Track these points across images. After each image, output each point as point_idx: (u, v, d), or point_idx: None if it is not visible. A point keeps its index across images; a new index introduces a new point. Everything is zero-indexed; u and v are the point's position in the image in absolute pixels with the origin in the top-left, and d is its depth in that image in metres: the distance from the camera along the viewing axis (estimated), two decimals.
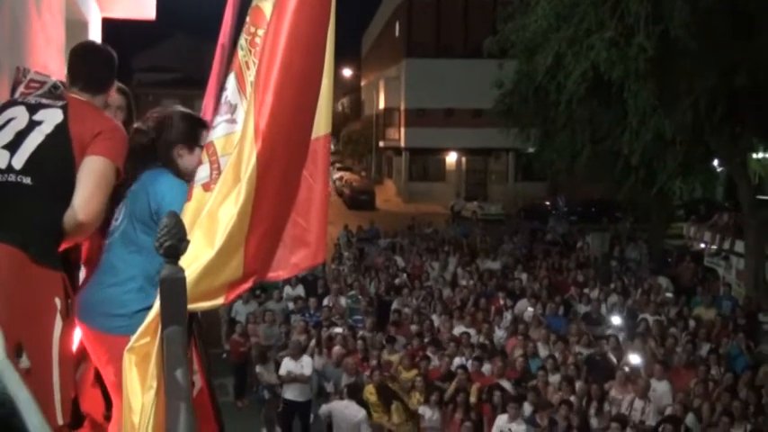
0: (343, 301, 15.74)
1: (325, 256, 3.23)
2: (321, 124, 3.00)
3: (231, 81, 2.93)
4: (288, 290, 16.61)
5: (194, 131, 3.21)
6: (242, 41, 2.92)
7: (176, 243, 2.18)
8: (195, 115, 3.44)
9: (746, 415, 10.04)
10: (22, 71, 3.43)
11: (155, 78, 65.34)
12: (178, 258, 2.24)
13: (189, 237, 2.41)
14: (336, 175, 52.15)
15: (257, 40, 2.82)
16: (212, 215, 2.67)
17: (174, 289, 2.20)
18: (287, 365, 11.91)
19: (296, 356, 11.93)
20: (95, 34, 8.92)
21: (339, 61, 65.82)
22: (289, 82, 2.69)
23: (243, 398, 14.03)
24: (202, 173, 2.86)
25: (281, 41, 2.67)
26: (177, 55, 68.67)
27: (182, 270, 2.24)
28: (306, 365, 11.92)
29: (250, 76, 2.82)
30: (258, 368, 12.91)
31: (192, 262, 2.54)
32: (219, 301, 2.76)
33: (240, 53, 2.90)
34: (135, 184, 3.11)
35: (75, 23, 7.70)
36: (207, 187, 2.80)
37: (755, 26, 14.14)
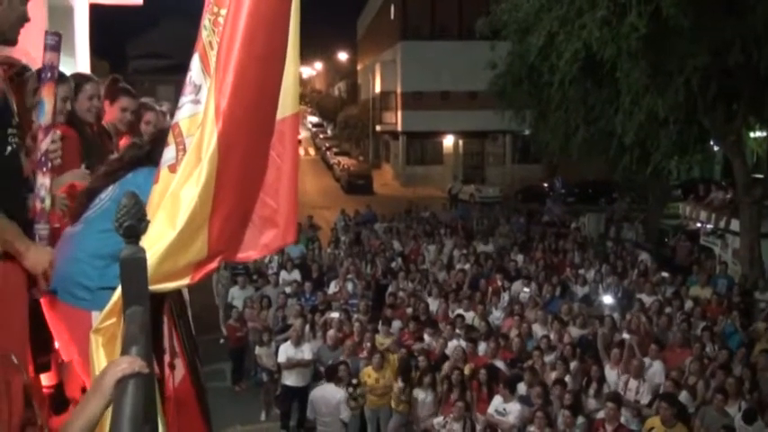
0: (350, 286, 15.74)
1: (296, 237, 3.23)
2: (288, 104, 2.98)
3: (195, 61, 2.91)
4: (284, 274, 16.61)
5: None
6: (205, 21, 2.89)
7: (135, 223, 2.18)
8: None
9: (741, 392, 10.06)
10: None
11: (150, 65, 65.14)
12: (138, 238, 2.24)
13: (152, 218, 2.41)
14: (334, 159, 52.08)
15: (220, 19, 2.79)
16: (175, 196, 2.67)
17: (133, 269, 2.20)
18: (286, 351, 11.94)
19: (296, 343, 11.96)
20: (82, 19, 8.86)
21: (334, 45, 65.82)
22: (250, 61, 2.68)
23: (240, 382, 14.11)
24: (168, 154, 2.86)
25: (241, 21, 2.66)
26: (172, 41, 68.18)
27: (142, 250, 2.24)
28: (306, 350, 11.96)
29: (213, 56, 2.80)
30: (258, 350, 12.95)
31: (155, 242, 2.54)
32: (185, 281, 2.76)
33: (204, 33, 2.87)
34: (129, 175, 3.17)
35: (60, 8, 7.64)
36: (173, 168, 2.80)
37: (747, 3, 14.01)
